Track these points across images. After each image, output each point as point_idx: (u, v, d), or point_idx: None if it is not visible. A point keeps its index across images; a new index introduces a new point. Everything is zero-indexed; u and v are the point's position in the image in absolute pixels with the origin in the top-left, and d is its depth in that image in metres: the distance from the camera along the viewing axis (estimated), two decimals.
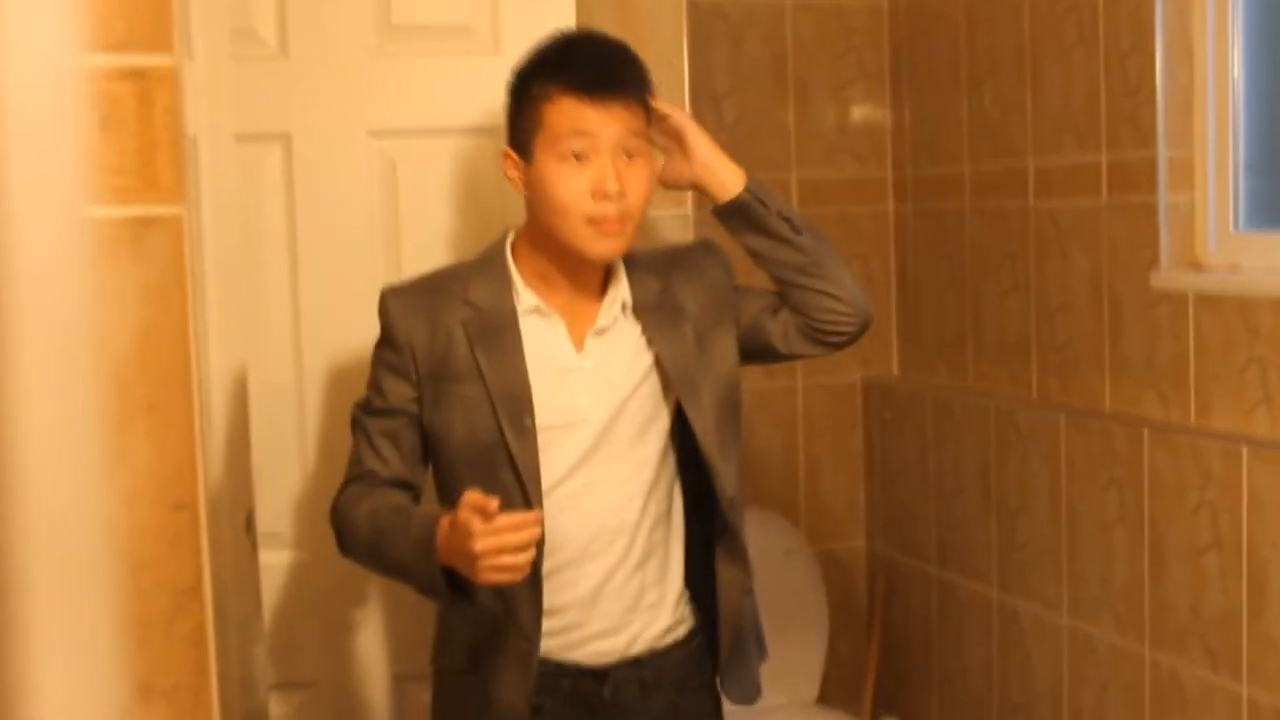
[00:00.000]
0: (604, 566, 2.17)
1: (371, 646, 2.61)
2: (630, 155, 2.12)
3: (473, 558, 1.89)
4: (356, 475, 2.18)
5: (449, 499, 2.18)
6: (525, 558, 1.91)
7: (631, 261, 2.26)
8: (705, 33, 3.87)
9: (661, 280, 2.25)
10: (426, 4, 2.54)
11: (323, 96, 2.51)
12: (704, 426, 2.20)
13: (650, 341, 2.21)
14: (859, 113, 4.01)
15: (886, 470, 3.99)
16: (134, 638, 1.06)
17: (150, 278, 1.07)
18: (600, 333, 2.19)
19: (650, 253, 2.35)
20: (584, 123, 2.09)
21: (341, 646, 2.61)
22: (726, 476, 2.21)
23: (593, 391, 2.16)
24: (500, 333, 2.15)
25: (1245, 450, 2.74)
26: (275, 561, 2.55)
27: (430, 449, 2.19)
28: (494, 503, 1.88)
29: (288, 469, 2.51)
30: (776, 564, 3.81)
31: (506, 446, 2.11)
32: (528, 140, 2.13)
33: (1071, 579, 3.24)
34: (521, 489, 2.11)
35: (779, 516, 3.81)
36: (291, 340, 2.52)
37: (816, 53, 3.97)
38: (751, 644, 2.34)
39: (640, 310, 2.21)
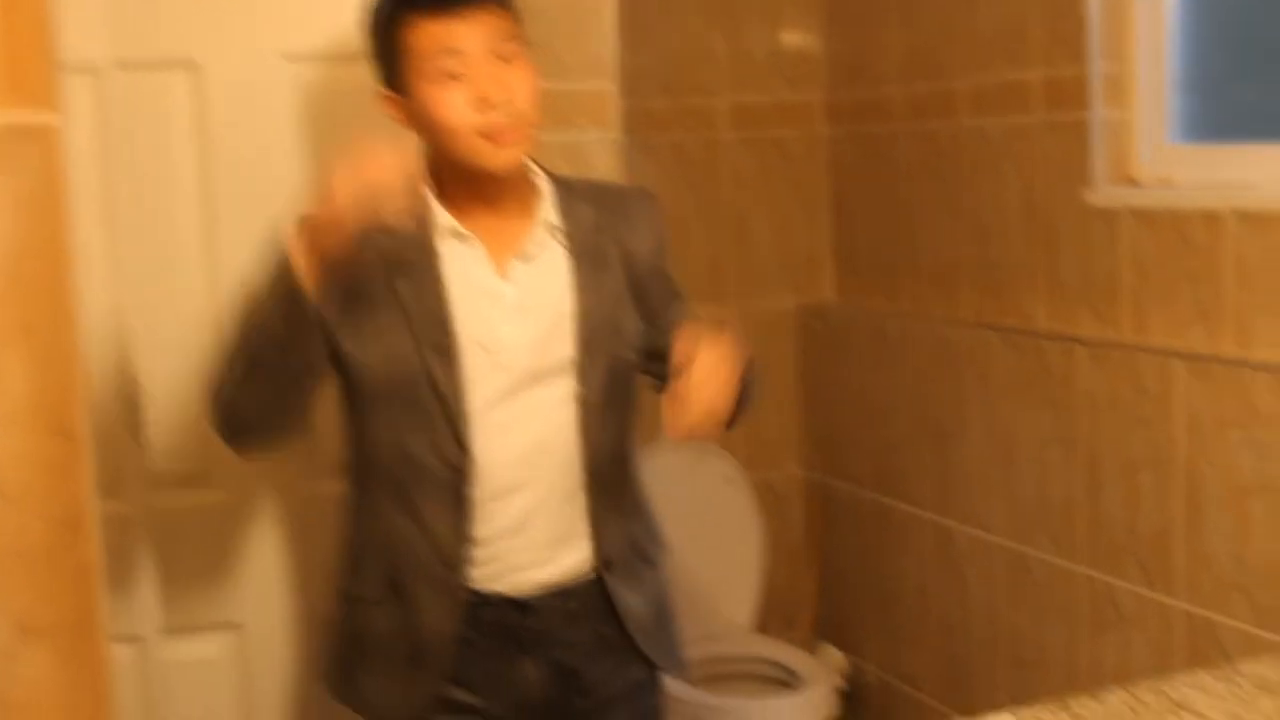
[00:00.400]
0: (533, 497, 2.13)
1: (293, 585, 2.55)
2: (506, 60, 2.04)
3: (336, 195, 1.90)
4: None
5: (369, 433, 2.12)
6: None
7: (564, 186, 2.20)
8: None
9: (596, 213, 2.19)
10: None
11: (234, 19, 2.42)
12: (590, 396, 2.15)
13: (576, 283, 2.15)
14: (789, 35, 3.95)
15: (822, 396, 3.96)
16: (11, 573, 1.00)
17: (22, 190, 1.00)
18: (527, 259, 2.13)
19: (585, 181, 2.29)
20: (449, 39, 2.02)
21: (265, 586, 2.55)
22: (592, 452, 2.16)
23: (517, 319, 2.11)
24: (417, 257, 2.10)
25: (1180, 365, 2.72)
26: (193, 502, 2.49)
27: (349, 384, 2.12)
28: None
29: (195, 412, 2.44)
30: (714, 492, 3.79)
31: (428, 369, 2.06)
32: (398, 74, 2.06)
33: (1007, 499, 3.23)
34: (445, 411, 2.07)
35: (715, 445, 3.78)
36: (204, 275, 2.44)
37: None
38: (653, 614, 2.27)
39: (572, 244, 2.16)
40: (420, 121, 2.07)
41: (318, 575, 2.50)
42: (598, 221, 2.19)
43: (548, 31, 2.67)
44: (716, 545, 3.78)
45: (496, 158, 2.05)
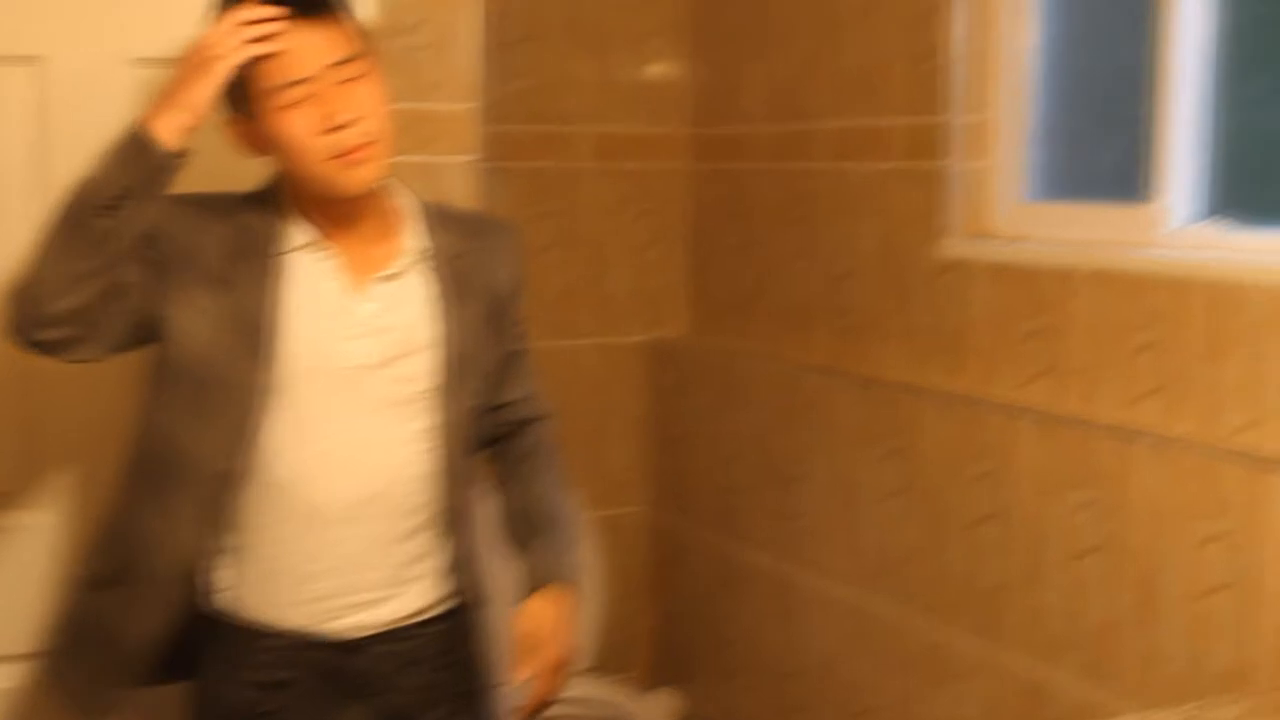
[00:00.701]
0: (368, 532, 2.05)
1: None
2: (353, 79, 1.98)
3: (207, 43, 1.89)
4: None
5: (152, 415, 2.03)
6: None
7: (432, 210, 2.14)
8: None
9: (462, 242, 2.14)
10: None
11: (83, 19, 2.32)
12: (453, 426, 2.10)
13: (440, 311, 2.09)
14: (656, 67, 3.93)
15: (670, 434, 3.93)
16: None
17: None
18: (389, 279, 2.06)
19: (451, 208, 2.24)
20: (289, 68, 1.95)
21: None
22: (459, 485, 2.12)
23: (369, 339, 2.03)
24: (262, 254, 2.02)
25: (1024, 421, 2.73)
26: (17, 524, 2.38)
27: (160, 350, 2.02)
28: None
29: (9, 422, 2.32)
30: None
31: (236, 366, 1.98)
32: (240, 102, 1.99)
33: (849, 548, 3.22)
34: (237, 414, 1.98)
35: None
36: None
37: (614, 3, 3.86)
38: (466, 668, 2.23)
39: (438, 270, 2.10)
40: (269, 146, 2.00)
41: None
42: (462, 249, 2.13)
43: (409, 52, 2.61)
44: None
45: (350, 178, 1.98)
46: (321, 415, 2.02)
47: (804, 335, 3.46)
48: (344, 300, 2.03)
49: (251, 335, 1.98)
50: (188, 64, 1.92)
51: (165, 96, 1.92)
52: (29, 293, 1.91)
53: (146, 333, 2.00)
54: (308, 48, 1.95)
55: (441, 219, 2.15)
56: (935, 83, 3.01)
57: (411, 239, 2.09)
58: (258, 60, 1.94)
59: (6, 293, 1.95)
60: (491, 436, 2.23)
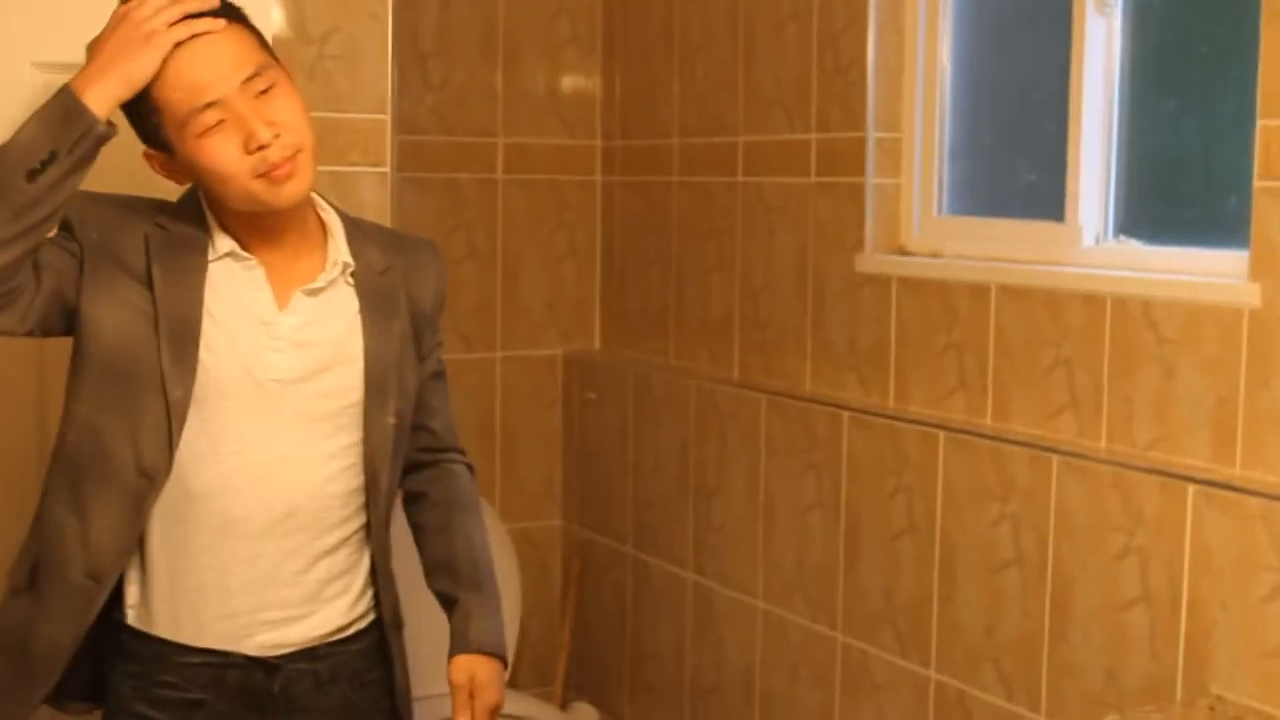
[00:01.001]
0: (283, 548, 2.01)
1: None
2: (264, 91, 1.92)
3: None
4: None
5: (72, 407, 1.97)
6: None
7: (353, 225, 2.10)
8: None
9: (386, 259, 2.10)
10: None
11: None
12: (376, 442, 2.06)
13: (363, 326, 2.05)
14: (569, 80, 3.91)
15: (585, 447, 3.90)
16: None
17: None
18: (314, 293, 2.02)
19: (374, 225, 2.20)
20: (199, 90, 1.89)
21: None
22: (381, 501, 2.09)
23: (292, 354, 1.99)
24: (184, 258, 1.97)
25: (941, 436, 2.74)
26: None
27: (78, 340, 1.96)
28: None
29: None
30: None
31: (161, 371, 1.93)
32: (155, 134, 1.93)
33: (767, 562, 3.22)
34: (161, 411, 1.93)
35: None
36: None
37: (527, 14, 3.85)
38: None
39: (361, 285, 2.06)
40: (191, 174, 1.96)
41: None
42: (386, 265, 2.10)
43: (319, 61, 2.57)
44: None
45: (279, 194, 1.93)
46: (241, 427, 1.97)
47: (720, 349, 3.45)
48: (267, 312, 1.99)
49: (173, 336, 1.93)
50: (124, 35, 1.85)
51: (99, 66, 1.85)
52: None
53: (62, 320, 1.95)
54: (214, 66, 1.89)
55: (364, 234, 2.11)
56: (850, 98, 3.02)
57: (335, 253, 2.05)
58: (160, 93, 1.88)
59: None
60: (411, 463, 2.20)
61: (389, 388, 2.06)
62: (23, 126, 1.85)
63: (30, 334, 1.95)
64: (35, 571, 2.01)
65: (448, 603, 2.18)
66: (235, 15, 1.95)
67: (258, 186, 1.92)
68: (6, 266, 1.85)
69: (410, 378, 2.11)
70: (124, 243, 1.96)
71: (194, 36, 1.88)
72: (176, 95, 1.89)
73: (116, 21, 1.87)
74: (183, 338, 1.94)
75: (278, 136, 1.91)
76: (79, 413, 1.97)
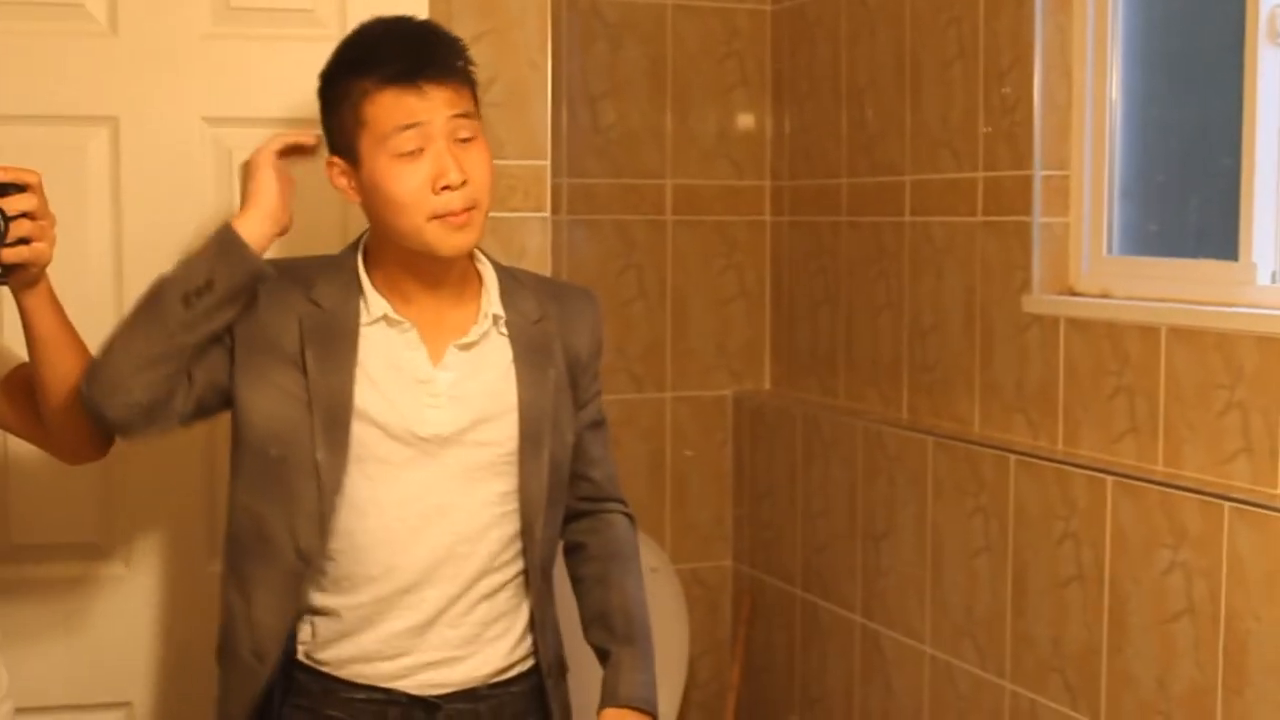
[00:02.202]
0: (445, 594, 2.04)
1: (187, 663, 2.45)
2: (465, 140, 1.98)
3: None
4: None
5: (235, 494, 2.03)
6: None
7: (508, 276, 2.13)
8: (583, 33, 3.76)
9: (540, 308, 2.12)
10: None
11: (155, 79, 2.35)
12: (532, 490, 2.07)
13: (518, 376, 2.07)
14: (738, 120, 3.92)
15: (756, 488, 3.89)
16: None
17: None
18: (467, 346, 2.05)
19: (529, 274, 2.22)
20: (409, 115, 1.95)
21: (159, 662, 2.45)
22: (537, 548, 2.09)
23: (448, 408, 2.02)
24: (337, 339, 2.01)
25: (1110, 482, 2.67)
26: (94, 574, 2.40)
27: (236, 428, 2.03)
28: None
29: (102, 478, 2.34)
30: None
31: (313, 447, 1.97)
32: (352, 143, 1.99)
33: (935, 607, 3.16)
34: (315, 494, 1.98)
35: (643, 533, 3.68)
36: None
37: (697, 57, 3.87)
38: None
39: (515, 335, 2.08)
40: (369, 195, 2.00)
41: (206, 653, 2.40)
42: (541, 314, 2.12)
43: (483, 109, 2.61)
44: None
45: (447, 242, 1.97)
46: (402, 481, 2.00)
47: (888, 390, 3.41)
48: (422, 370, 2.03)
49: (327, 421, 1.98)
50: (246, 177, 2.05)
51: (244, 207, 2.03)
52: (101, 372, 1.95)
53: (219, 404, 2.03)
54: (430, 100, 1.96)
55: (518, 284, 2.13)
56: (1017, 136, 2.97)
57: (486, 305, 2.08)
58: (370, 106, 1.96)
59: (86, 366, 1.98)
60: (571, 511, 2.21)
61: (544, 436, 2.08)
62: (188, 256, 1.97)
63: (189, 425, 2.04)
64: (219, 651, 2.09)
65: (602, 655, 2.19)
66: (460, 59, 2.02)
67: (431, 228, 1.96)
68: (157, 382, 1.94)
69: (566, 426, 2.12)
70: (278, 329, 2.00)
71: (297, 151, 2.06)
72: (385, 115, 1.95)
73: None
74: (335, 421, 1.98)
75: (465, 184, 1.96)
76: (239, 496, 2.04)
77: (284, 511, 1.99)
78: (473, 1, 2.57)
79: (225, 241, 1.97)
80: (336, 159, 2.03)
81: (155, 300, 1.95)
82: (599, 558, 2.23)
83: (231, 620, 2.05)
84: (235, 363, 2.00)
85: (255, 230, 1.99)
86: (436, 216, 1.96)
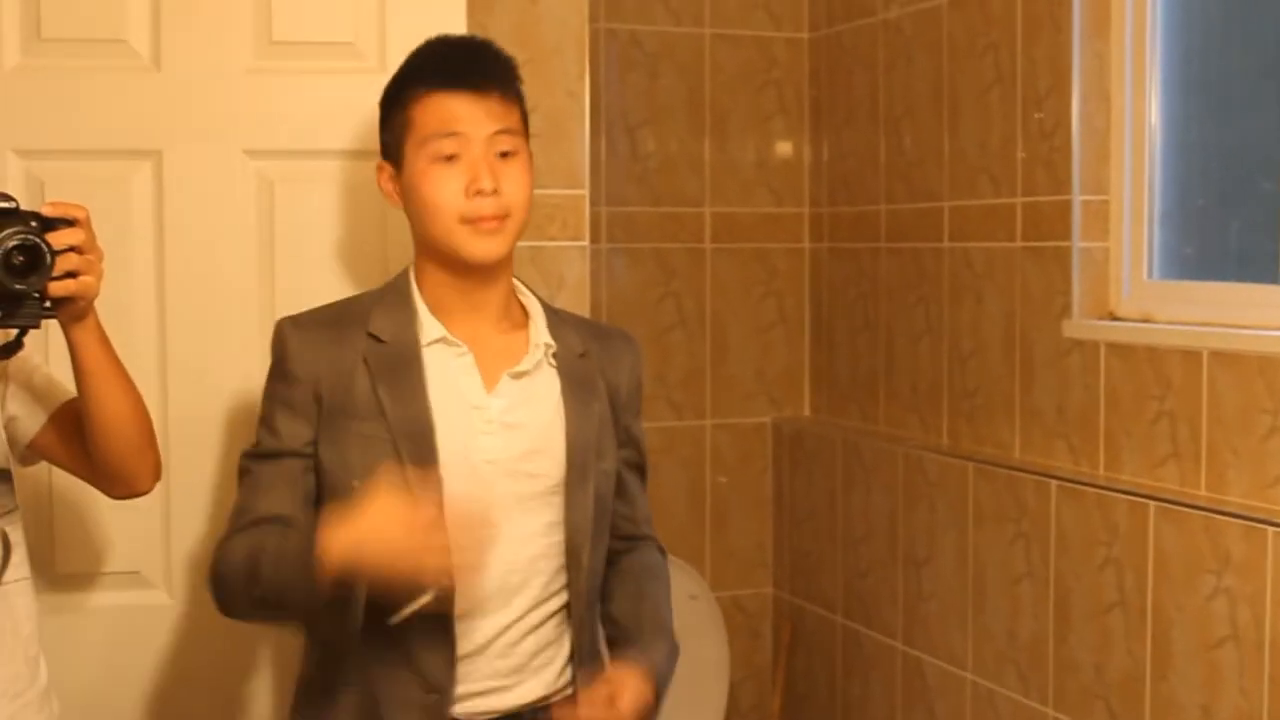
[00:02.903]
0: (496, 623, 2.05)
1: (257, 695, 2.46)
2: (505, 155, 2.03)
3: (407, 542, 1.83)
4: (243, 522, 2.01)
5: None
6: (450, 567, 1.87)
7: (552, 312, 2.16)
8: (622, 62, 3.78)
9: (583, 344, 2.15)
10: (309, 20, 2.41)
11: (197, 113, 2.38)
12: (577, 520, 2.07)
13: (566, 408, 2.09)
14: (776, 148, 3.93)
15: (796, 514, 3.88)
16: None
17: None
18: (519, 375, 2.07)
19: (571, 314, 2.25)
20: (453, 119, 2.00)
21: (225, 697, 2.46)
22: (583, 579, 2.09)
23: (500, 435, 2.04)
24: (404, 367, 2.03)
25: (1152, 507, 2.65)
26: (135, 602, 2.42)
27: (323, 489, 2.04)
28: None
29: (143, 508, 2.36)
30: (679, 609, 3.66)
31: (410, 486, 1.97)
32: (399, 145, 2.05)
33: (977, 633, 3.15)
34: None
35: (683, 560, 3.69)
36: (157, 371, 2.37)
37: (734, 86, 3.88)
38: None
39: (563, 367, 2.10)
40: (408, 196, 2.05)
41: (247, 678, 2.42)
42: (585, 349, 2.14)
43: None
44: (680, 663, 3.68)
45: (474, 245, 2.00)
46: (453, 509, 2.01)
47: (928, 416, 3.41)
48: (476, 396, 2.04)
49: (418, 452, 1.98)
50: (405, 547, 1.85)
51: (354, 538, 1.86)
52: (226, 612, 2.04)
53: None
54: (473, 110, 2.00)
55: (561, 320, 2.16)
56: (1055, 162, 2.97)
57: (537, 335, 2.10)
58: (418, 108, 2.00)
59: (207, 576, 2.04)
60: (608, 549, 2.22)
61: (589, 468, 2.09)
62: (283, 566, 1.91)
63: None
64: (364, 708, 2.06)
65: (618, 653, 2.17)
66: (511, 75, 2.07)
67: (460, 231, 2.00)
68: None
69: (610, 459, 2.13)
70: (347, 382, 2.01)
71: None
72: (428, 117, 2.01)
73: (401, 525, 1.86)
74: (422, 450, 1.99)
75: (497, 192, 2.00)
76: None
77: None
78: (510, 31, 2.59)
79: (313, 585, 1.88)
80: (385, 163, 2.08)
81: (248, 591, 1.95)
82: (632, 573, 2.23)
83: (390, 674, 2.03)
84: (323, 432, 2.02)
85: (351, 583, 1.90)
86: (466, 221, 2.00)
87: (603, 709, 2.02)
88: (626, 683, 2.04)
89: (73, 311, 1.86)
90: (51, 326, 1.88)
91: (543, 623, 2.08)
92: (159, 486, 2.19)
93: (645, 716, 2.06)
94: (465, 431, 2.02)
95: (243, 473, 2.06)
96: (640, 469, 2.25)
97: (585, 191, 2.66)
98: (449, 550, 1.85)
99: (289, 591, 1.91)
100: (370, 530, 1.84)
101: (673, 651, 2.19)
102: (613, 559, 2.23)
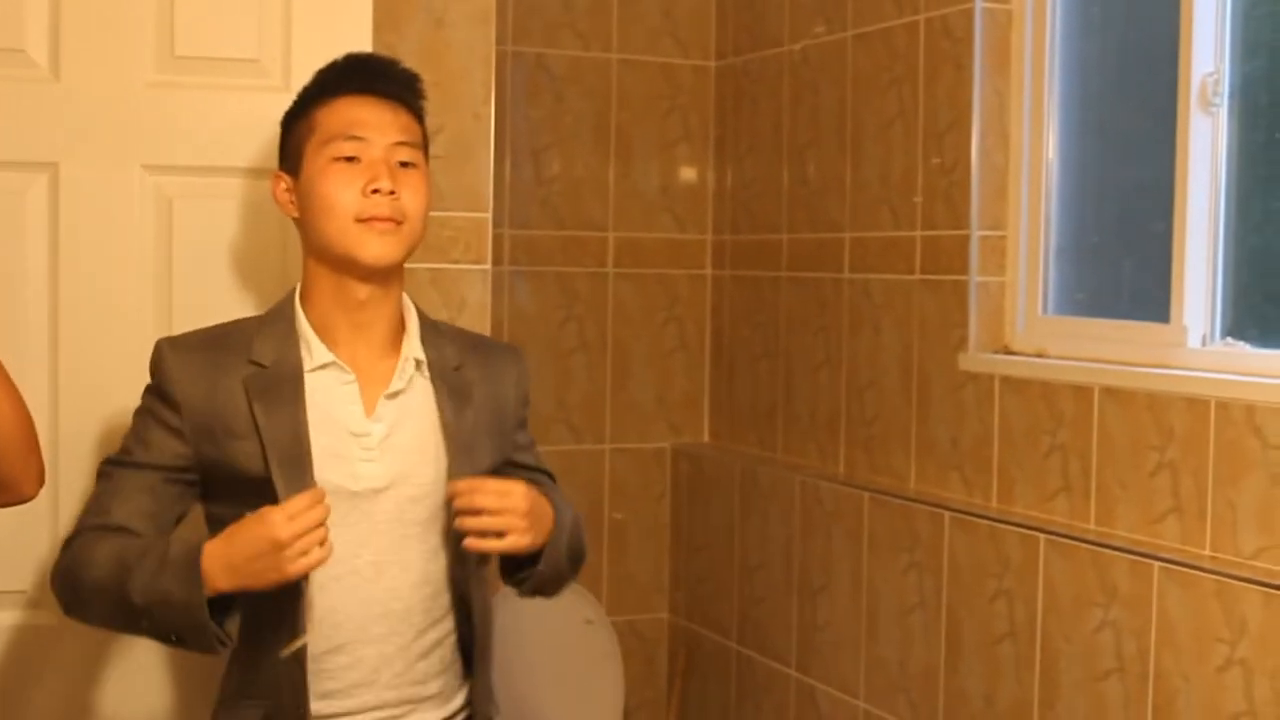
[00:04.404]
0: (382, 651, 2.02)
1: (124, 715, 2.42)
2: (405, 165, 2.03)
3: (279, 545, 1.82)
4: (94, 523, 1.99)
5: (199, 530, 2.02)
6: (328, 539, 1.86)
7: (431, 325, 2.13)
8: (527, 86, 3.78)
9: (459, 356, 2.12)
10: (214, 35, 2.38)
11: (96, 125, 2.34)
12: (453, 538, 2.02)
13: (440, 411, 2.07)
14: (681, 174, 3.95)
15: (693, 540, 3.89)
16: None
17: None
18: (393, 395, 2.04)
19: (455, 328, 2.23)
20: (356, 124, 2.01)
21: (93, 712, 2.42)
22: (474, 600, 2.07)
23: (381, 461, 2.01)
24: (283, 389, 2.00)
25: (1043, 540, 2.69)
26: (21, 622, 2.37)
27: (207, 494, 2.03)
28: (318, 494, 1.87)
29: (33, 526, 2.32)
30: (575, 634, 3.69)
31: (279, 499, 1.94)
32: (298, 151, 2.04)
33: (869, 661, 3.18)
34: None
35: (579, 585, 3.68)
36: (48, 386, 2.33)
37: (640, 111, 3.90)
38: None
39: (435, 376, 2.08)
40: (304, 200, 2.03)
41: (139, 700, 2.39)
42: (461, 361, 2.12)
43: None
44: (575, 688, 3.68)
45: (369, 246, 1.99)
46: (336, 539, 1.98)
47: (825, 445, 3.43)
48: (357, 423, 2.02)
49: (291, 477, 1.96)
50: (264, 552, 1.85)
51: (232, 568, 1.87)
52: (68, 609, 2.02)
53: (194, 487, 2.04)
54: (377, 117, 2.02)
55: (440, 333, 2.14)
56: (955, 196, 3.01)
57: (407, 349, 2.07)
58: (322, 113, 2.02)
59: (52, 572, 2.02)
60: None
61: (466, 473, 2.04)
62: (153, 571, 1.89)
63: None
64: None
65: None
66: (415, 94, 2.09)
67: (354, 230, 1.99)
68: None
69: (489, 464, 2.09)
70: (227, 408, 1.99)
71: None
72: (332, 121, 2.02)
73: (262, 532, 1.86)
74: (295, 473, 1.96)
75: (394, 195, 1.99)
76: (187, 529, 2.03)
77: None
78: (417, 53, 2.57)
79: (189, 603, 1.88)
80: (281, 173, 2.07)
81: (116, 595, 1.93)
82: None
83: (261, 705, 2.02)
84: (200, 452, 2.00)
85: (226, 587, 1.88)
86: (362, 219, 1.99)
87: (493, 494, 1.97)
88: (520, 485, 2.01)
89: None
90: None
91: (430, 651, 2.05)
92: (47, 503, 2.15)
93: (530, 526, 2.00)
94: (348, 459, 2.00)
95: (101, 475, 2.04)
96: (546, 473, 2.22)
97: (489, 215, 2.65)
98: (324, 533, 1.86)
99: (166, 603, 1.88)
100: (243, 538, 1.86)
101: (576, 518, 2.15)
102: None
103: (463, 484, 1.97)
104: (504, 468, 2.14)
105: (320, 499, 1.86)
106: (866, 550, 3.19)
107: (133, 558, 1.92)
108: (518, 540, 1.98)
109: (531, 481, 2.08)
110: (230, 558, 1.86)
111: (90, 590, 1.96)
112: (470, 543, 1.97)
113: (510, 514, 1.97)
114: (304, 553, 1.84)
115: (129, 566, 1.91)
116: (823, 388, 3.44)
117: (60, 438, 2.34)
